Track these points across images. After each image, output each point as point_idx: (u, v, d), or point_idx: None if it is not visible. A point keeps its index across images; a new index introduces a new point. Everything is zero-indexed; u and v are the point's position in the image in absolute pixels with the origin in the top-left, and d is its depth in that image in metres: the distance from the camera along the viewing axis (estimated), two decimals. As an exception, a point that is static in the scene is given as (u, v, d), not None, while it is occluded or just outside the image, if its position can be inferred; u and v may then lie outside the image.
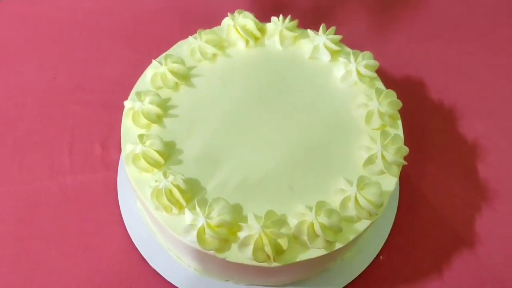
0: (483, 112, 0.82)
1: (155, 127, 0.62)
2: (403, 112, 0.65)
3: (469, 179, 0.75)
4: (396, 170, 0.60)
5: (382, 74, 0.70)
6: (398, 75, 0.85)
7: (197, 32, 0.69)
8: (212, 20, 0.73)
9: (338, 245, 0.55)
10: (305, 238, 0.54)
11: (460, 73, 0.87)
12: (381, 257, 0.67)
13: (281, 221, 0.55)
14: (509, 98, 0.84)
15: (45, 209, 0.71)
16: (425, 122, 0.80)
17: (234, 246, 0.54)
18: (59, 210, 0.71)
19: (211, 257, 0.55)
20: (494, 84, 0.86)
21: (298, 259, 0.54)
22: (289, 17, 0.71)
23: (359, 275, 0.65)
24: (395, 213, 0.70)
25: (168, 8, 0.93)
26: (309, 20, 0.74)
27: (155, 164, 0.58)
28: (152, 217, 0.60)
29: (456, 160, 0.77)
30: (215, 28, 0.71)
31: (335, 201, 0.57)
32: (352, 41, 0.72)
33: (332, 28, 0.70)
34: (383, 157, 0.59)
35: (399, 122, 0.64)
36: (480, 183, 0.75)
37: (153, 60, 0.67)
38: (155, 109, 0.62)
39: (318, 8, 0.93)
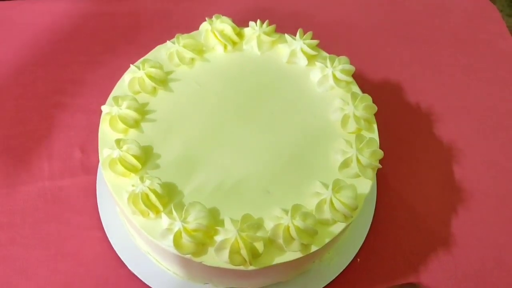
0: (458, 114, 0.83)
1: (132, 132, 0.62)
2: (380, 115, 0.66)
3: (445, 181, 0.76)
4: (371, 173, 0.61)
5: (359, 77, 0.70)
6: (375, 79, 0.86)
7: (175, 36, 0.69)
8: (193, 24, 0.73)
9: (313, 248, 0.56)
10: (281, 241, 0.54)
11: (436, 76, 0.88)
12: (358, 259, 0.68)
13: (257, 225, 0.55)
14: (483, 100, 0.86)
15: (24, 214, 0.70)
16: (402, 124, 0.81)
17: (211, 250, 0.54)
18: (37, 215, 0.70)
19: (188, 261, 0.55)
20: (469, 87, 0.87)
21: (274, 262, 0.55)
22: (266, 21, 0.71)
23: (337, 277, 0.66)
24: (372, 215, 0.71)
25: (148, 12, 0.93)
26: (287, 25, 0.74)
27: (132, 169, 0.58)
28: (129, 222, 0.60)
29: (432, 162, 0.78)
30: (193, 33, 0.72)
31: (311, 204, 0.57)
32: (329, 45, 0.72)
33: (309, 33, 0.70)
34: (358, 160, 0.60)
35: (375, 126, 0.65)
36: (455, 184, 0.76)
37: (131, 65, 0.67)
38: (132, 114, 0.62)
39: (296, 13, 0.93)
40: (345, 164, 0.61)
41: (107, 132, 0.62)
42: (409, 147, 0.79)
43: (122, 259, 0.66)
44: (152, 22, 0.91)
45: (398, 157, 0.76)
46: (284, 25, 0.74)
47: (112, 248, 0.67)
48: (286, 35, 0.71)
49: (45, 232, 0.69)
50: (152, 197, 0.55)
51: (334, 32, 0.91)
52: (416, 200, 0.74)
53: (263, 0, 0.95)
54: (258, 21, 0.71)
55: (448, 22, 0.96)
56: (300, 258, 0.55)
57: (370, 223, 0.70)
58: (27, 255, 0.67)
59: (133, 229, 0.62)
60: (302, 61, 0.70)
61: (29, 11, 0.91)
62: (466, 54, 0.91)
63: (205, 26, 0.71)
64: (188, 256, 0.54)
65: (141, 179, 0.57)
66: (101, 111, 0.63)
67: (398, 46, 0.92)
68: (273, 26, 0.72)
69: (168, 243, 0.54)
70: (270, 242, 0.55)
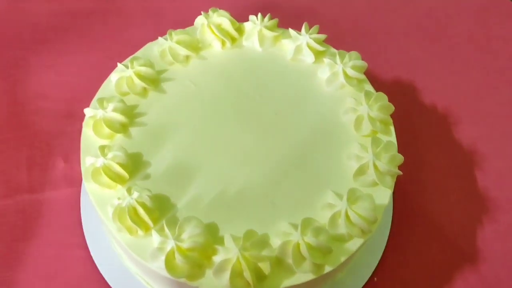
0: (478, 116, 0.78)
1: (119, 137, 0.57)
2: (393, 117, 0.60)
3: (468, 189, 0.70)
4: (390, 181, 0.55)
5: (369, 77, 0.64)
6: (385, 79, 0.80)
7: (168, 32, 0.63)
8: (187, 22, 0.67)
9: (327, 268, 0.49)
10: (290, 261, 0.48)
11: (450, 76, 0.82)
12: (375, 278, 0.62)
13: (263, 242, 0.49)
14: (502, 102, 0.80)
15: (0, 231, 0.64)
16: (418, 127, 0.75)
17: (209, 273, 0.48)
18: (14, 232, 0.64)
19: (183, 285, 0.49)
20: (487, 87, 0.81)
21: (282, 286, 0.48)
22: (268, 15, 0.66)
23: (352, 299, 0.59)
24: (389, 228, 0.64)
25: (139, 8, 0.87)
26: (290, 21, 0.68)
27: (118, 179, 0.52)
28: (116, 240, 0.53)
29: (453, 169, 0.72)
30: (188, 28, 0.66)
31: (323, 218, 0.51)
32: (335, 44, 0.66)
33: (316, 27, 0.64)
34: (375, 166, 0.54)
35: (392, 128, 0.59)
36: (479, 192, 0.70)
37: (118, 63, 0.60)
38: (119, 117, 0.56)
39: (299, 8, 0.88)
40: (360, 171, 0.54)
41: (90, 138, 0.56)
42: (426, 152, 0.73)
43: (109, 282, 0.60)
44: (143, 19, 0.86)
45: (414, 163, 0.70)
46: (286, 22, 0.68)
47: (98, 270, 0.60)
48: (290, 30, 0.65)
49: (23, 251, 0.63)
50: (141, 211, 0.49)
51: (340, 30, 0.85)
52: (437, 211, 0.68)
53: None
54: (259, 14, 0.65)
55: (462, 19, 0.90)
56: (311, 280, 0.49)
57: (387, 238, 0.64)
58: (2, 278, 0.61)
59: (120, 248, 0.56)
60: (309, 57, 0.64)
61: (4, 10, 0.85)
62: (482, 53, 0.86)
63: (200, 20, 0.65)
64: (183, 279, 0.48)
65: (128, 191, 0.51)
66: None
67: (409, 44, 0.86)
68: (275, 20, 0.66)
69: (159, 264, 0.48)
70: (277, 262, 0.49)
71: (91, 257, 0.61)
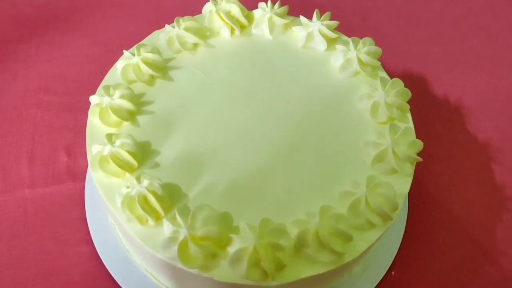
0: (491, 108, 0.76)
1: (126, 125, 0.54)
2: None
3: (485, 182, 0.68)
4: (410, 168, 0.53)
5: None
6: (396, 71, 0.79)
7: (175, 19, 0.61)
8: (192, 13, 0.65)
9: (348, 257, 0.47)
10: (309, 250, 0.46)
11: (463, 68, 0.81)
12: (392, 272, 0.59)
13: (280, 231, 0.46)
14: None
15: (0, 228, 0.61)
16: (431, 119, 0.74)
17: (224, 263, 0.46)
18: (15, 228, 0.62)
19: (195, 276, 0.46)
20: (499, 79, 0.80)
21: (302, 276, 0.46)
22: (278, 2, 0.64)
23: (369, 294, 0.57)
24: (405, 221, 0.62)
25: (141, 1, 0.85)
26: (297, 11, 0.66)
27: (126, 168, 0.50)
28: (124, 231, 0.51)
29: (468, 161, 0.70)
30: (196, 16, 0.64)
31: (341, 206, 0.49)
32: (345, 35, 0.64)
33: (328, 13, 0.63)
34: (394, 153, 0.52)
35: (409, 115, 0.57)
36: (497, 185, 0.68)
37: (124, 51, 0.58)
38: (126, 104, 0.54)
39: (305, 1, 0.86)
40: (379, 158, 0.52)
41: (97, 126, 0.54)
42: (441, 145, 0.71)
43: (115, 278, 0.57)
44: (145, 11, 0.84)
45: (429, 155, 0.68)
46: (293, 12, 0.66)
47: (104, 266, 0.58)
48: (301, 17, 0.63)
49: (24, 248, 0.60)
50: (152, 200, 0.47)
51: (349, 22, 0.83)
52: (454, 204, 0.66)
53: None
54: (269, 1, 0.63)
55: (473, 9, 0.89)
56: (332, 270, 0.46)
57: (403, 231, 0.62)
58: (2, 276, 0.58)
59: (128, 241, 0.54)
60: (321, 45, 0.62)
61: (6, 2, 0.84)
62: (494, 45, 0.84)
63: (208, 7, 0.63)
64: (196, 270, 0.45)
65: (138, 179, 0.48)
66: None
67: (419, 35, 0.85)
68: (285, 7, 0.64)
69: (171, 255, 0.45)
70: (295, 251, 0.47)
71: (96, 253, 0.59)
